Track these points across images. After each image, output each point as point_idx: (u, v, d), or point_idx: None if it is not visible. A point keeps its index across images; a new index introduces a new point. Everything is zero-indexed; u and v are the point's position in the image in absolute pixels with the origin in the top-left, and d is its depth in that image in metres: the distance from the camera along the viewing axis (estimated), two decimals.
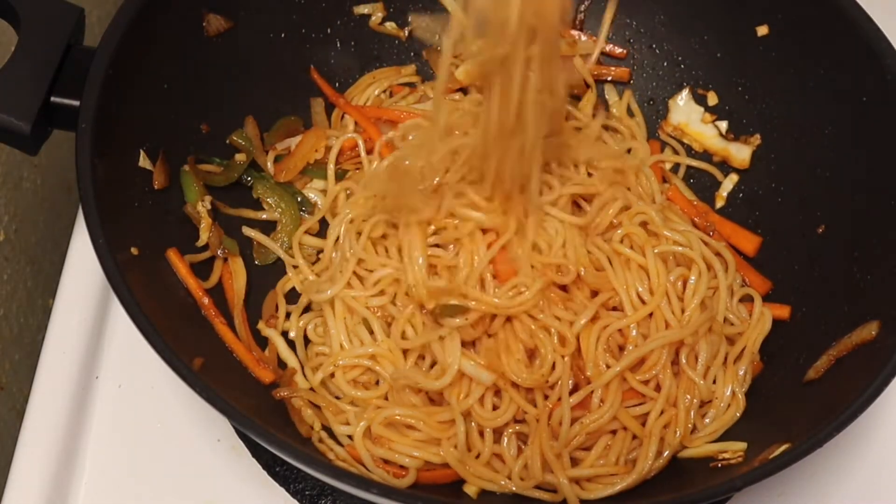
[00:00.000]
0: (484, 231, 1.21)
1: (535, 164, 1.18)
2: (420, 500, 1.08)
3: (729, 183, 1.42)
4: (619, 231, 1.26)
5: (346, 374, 1.21)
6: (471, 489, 1.13)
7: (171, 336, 1.05)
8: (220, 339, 1.20)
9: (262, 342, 1.25)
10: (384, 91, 1.43)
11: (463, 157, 1.22)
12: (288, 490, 1.22)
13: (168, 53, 1.26)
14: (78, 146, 1.12)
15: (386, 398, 1.20)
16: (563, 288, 1.21)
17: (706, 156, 1.45)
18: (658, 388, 1.19)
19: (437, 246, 1.23)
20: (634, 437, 1.18)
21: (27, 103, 1.14)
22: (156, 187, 1.23)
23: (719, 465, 1.12)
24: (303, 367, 1.24)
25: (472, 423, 1.16)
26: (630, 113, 1.47)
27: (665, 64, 1.47)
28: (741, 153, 1.42)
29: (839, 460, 1.28)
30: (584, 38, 1.47)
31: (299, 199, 1.35)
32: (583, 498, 1.13)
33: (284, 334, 1.27)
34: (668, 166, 1.44)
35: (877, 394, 1.05)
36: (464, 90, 1.43)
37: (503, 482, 1.13)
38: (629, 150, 1.42)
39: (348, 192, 1.34)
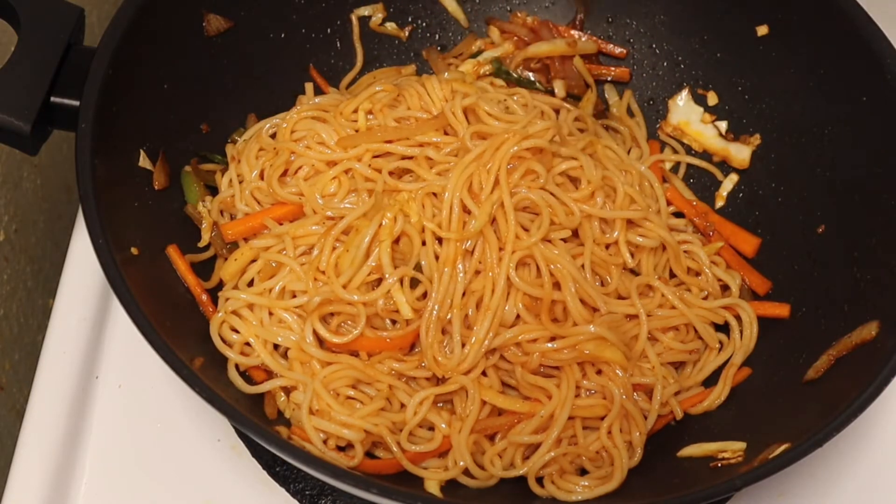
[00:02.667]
0: None
1: None
2: (419, 500, 1.08)
3: (729, 183, 1.42)
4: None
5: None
6: (432, 485, 1.13)
7: (171, 336, 1.06)
8: None
9: None
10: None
11: None
12: (288, 490, 1.22)
13: (168, 53, 1.26)
14: (78, 146, 1.12)
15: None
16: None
17: (706, 156, 1.45)
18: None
19: None
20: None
21: (27, 103, 1.14)
22: (156, 188, 1.24)
23: (719, 464, 1.12)
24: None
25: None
26: (630, 113, 1.47)
27: (665, 64, 1.47)
28: (741, 153, 1.42)
29: (839, 460, 1.28)
30: (584, 37, 1.48)
31: None
32: (571, 500, 1.13)
33: None
34: (667, 166, 1.44)
35: (877, 393, 1.05)
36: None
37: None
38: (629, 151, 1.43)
39: None
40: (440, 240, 1.20)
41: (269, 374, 1.19)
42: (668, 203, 1.36)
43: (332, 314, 1.19)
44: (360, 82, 1.44)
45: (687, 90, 1.46)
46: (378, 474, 1.13)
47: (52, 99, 1.16)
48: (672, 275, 1.31)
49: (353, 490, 1.01)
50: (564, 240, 1.23)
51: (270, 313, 1.20)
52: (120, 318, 1.31)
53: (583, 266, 1.22)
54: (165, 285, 1.19)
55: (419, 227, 1.20)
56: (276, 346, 1.20)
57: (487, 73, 1.44)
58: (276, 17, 1.39)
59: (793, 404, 1.17)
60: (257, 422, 1.05)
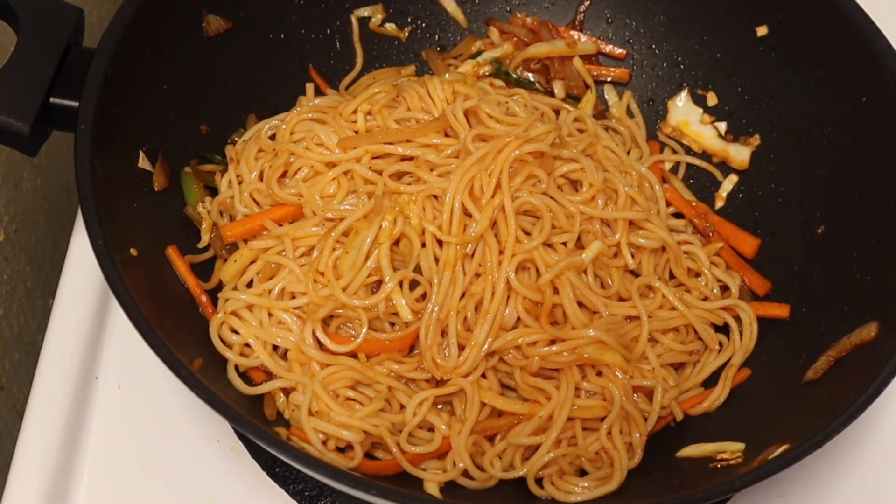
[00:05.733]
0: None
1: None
2: (419, 501, 1.08)
3: (728, 183, 1.42)
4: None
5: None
6: (431, 486, 1.13)
7: (170, 337, 1.06)
8: None
9: None
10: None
11: None
12: (287, 491, 1.22)
13: (167, 54, 1.26)
14: (77, 147, 1.12)
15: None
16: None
17: (705, 156, 1.45)
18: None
19: None
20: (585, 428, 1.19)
21: (26, 104, 1.14)
22: (155, 188, 1.23)
23: (718, 465, 1.12)
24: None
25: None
26: (630, 114, 1.47)
27: (664, 64, 1.47)
28: (740, 154, 1.42)
29: (839, 461, 1.28)
30: (583, 38, 1.48)
31: None
32: (570, 501, 1.13)
33: None
34: (667, 167, 1.44)
35: (876, 394, 1.05)
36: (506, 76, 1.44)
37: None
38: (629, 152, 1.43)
39: None
40: (440, 242, 1.20)
41: (269, 376, 1.19)
42: (668, 204, 1.36)
43: (331, 316, 1.19)
44: (360, 83, 1.44)
45: (686, 91, 1.46)
46: (377, 475, 1.13)
47: (52, 100, 1.16)
48: (671, 276, 1.31)
49: (352, 491, 1.01)
50: (565, 243, 1.23)
51: (270, 314, 1.20)
52: (119, 319, 1.31)
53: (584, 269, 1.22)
54: (165, 286, 1.19)
55: (419, 230, 1.20)
56: (275, 347, 1.20)
57: (487, 73, 1.44)
58: (276, 18, 1.39)
59: (792, 405, 1.17)
60: (257, 423, 1.05)
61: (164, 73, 1.26)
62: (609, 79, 1.48)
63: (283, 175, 1.28)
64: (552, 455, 1.15)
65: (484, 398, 1.16)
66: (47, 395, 1.26)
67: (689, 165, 1.44)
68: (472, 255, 1.19)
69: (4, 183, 1.46)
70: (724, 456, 1.14)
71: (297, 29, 1.41)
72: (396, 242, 1.20)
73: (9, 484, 1.21)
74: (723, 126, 1.44)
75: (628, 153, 1.42)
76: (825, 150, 1.31)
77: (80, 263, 1.35)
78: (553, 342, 1.18)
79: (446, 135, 1.28)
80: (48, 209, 1.61)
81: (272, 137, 1.32)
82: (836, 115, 1.30)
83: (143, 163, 1.22)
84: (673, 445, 1.19)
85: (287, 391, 1.18)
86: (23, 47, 1.17)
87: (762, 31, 1.37)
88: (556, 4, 1.50)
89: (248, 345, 1.19)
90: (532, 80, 1.45)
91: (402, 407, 1.16)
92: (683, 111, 1.46)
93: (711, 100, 1.44)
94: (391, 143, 1.26)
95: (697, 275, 1.32)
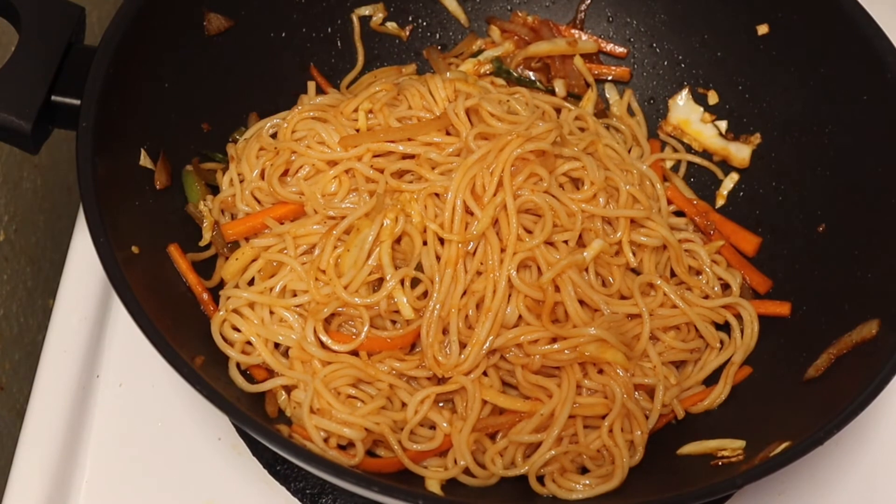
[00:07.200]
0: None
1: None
2: (421, 499, 1.08)
3: (729, 182, 1.43)
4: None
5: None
6: (433, 484, 1.14)
7: (171, 334, 1.06)
8: None
9: None
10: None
11: None
12: (288, 489, 1.22)
13: (168, 52, 1.26)
14: (79, 145, 1.12)
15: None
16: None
17: (706, 155, 1.45)
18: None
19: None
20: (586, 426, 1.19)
21: (28, 102, 1.14)
22: (157, 187, 1.24)
23: (720, 463, 1.13)
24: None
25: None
26: (630, 112, 1.47)
27: (665, 63, 1.47)
28: (741, 152, 1.42)
29: (839, 459, 1.28)
30: (584, 37, 1.48)
31: None
32: (572, 499, 1.13)
33: None
34: (668, 165, 1.44)
35: (877, 392, 1.06)
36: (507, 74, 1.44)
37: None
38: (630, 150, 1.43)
39: None
40: (441, 240, 1.20)
41: (270, 373, 1.19)
42: (669, 202, 1.37)
43: (333, 314, 1.19)
44: (361, 82, 1.44)
45: (687, 89, 1.46)
46: (379, 473, 1.13)
47: (53, 98, 1.16)
48: (672, 274, 1.31)
49: (354, 488, 1.01)
50: (566, 241, 1.23)
51: (271, 312, 1.20)
52: (121, 317, 1.31)
53: (585, 267, 1.22)
54: (166, 284, 1.19)
55: (421, 228, 1.20)
56: (276, 345, 1.20)
57: (488, 72, 1.44)
58: (277, 17, 1.39)
59: (793, 403, 1.18)
60: (258, 420, 1.05)
61: (166, 72, 1.26)
62: (610, 77, 1.48)
63: (285, 173, 1.28)
64: (553, 453, 1.15)
65: (485, 396, 1.17)
66: (48, 393, 1.26)
67: (689, 164, 1.45)
68: (474, 253, 1.20)
69: (4, 183, 1.46)
70: (726, 453, 1.14)
71: (299, 27, 1.42)
72: (398, 240, 1.20)
73: (9, 484, 1.21)
74: (723, 124, 1.44)
75: (629, 151, 1.42)
76: (826, 148, 1.31)
77: (81, 262, 1.35)
78: (554, 340, 1.18)
79: (448, 133, 1.28)
80: (48, 209, 1.61)
81: (273, 136, 1.32)
82: (836, 113, 1.30)
83: (145, 161, 1.22)
84: (674, 443, 1.19)
85: (288, 389, 1.18)
86: (24, 45, 1.17)
87: (763, 29, 1.37)
88: (557, 3, 1.50)
89: (249, 342, 1.19)
90: (533, 78, 1.45)
91: (404, 405, 1.16)
92: (684, 110, 1.46)
93: (712, 98, 1.44)
94: (392, 142, 1.26)
95: (698, 273, 1.32)
